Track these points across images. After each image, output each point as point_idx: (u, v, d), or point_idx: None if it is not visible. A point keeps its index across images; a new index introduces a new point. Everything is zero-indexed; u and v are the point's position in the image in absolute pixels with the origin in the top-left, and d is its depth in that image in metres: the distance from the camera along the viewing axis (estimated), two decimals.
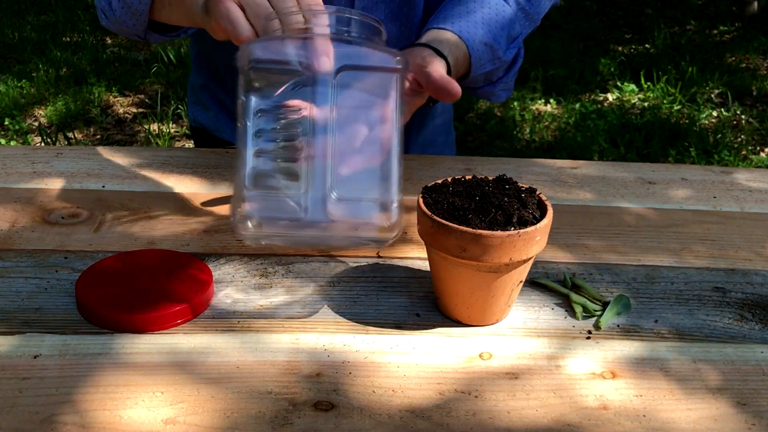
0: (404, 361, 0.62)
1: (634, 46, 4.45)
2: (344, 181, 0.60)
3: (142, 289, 0.66)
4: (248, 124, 0.60)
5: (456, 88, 0.76)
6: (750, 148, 3.12)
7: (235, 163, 0.60)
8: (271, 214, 0.60)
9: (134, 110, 3.35)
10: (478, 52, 0.89)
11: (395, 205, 0.61)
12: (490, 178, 0.68)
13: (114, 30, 0.92)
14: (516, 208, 0.63)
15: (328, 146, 0.60)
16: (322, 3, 0.66)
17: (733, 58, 4.22)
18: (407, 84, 0.81)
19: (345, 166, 0.61)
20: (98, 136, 3.10)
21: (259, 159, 0.60)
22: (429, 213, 0.62)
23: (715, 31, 4.74)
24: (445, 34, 0.88)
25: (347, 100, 0.61)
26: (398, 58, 0.61)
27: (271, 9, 0.64)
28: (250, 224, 0.59)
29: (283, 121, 0.61)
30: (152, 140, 3.05)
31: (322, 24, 0.62)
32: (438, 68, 0.79)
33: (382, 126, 0.62)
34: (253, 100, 0.60)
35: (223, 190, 0.88)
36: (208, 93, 1.12)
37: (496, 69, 0.94)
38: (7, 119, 3.13)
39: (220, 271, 0.72)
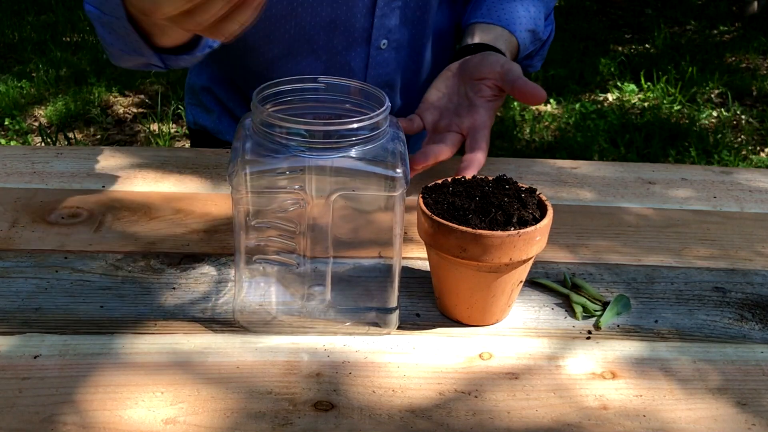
0: (404, 361, 0.62)
1: (634, 46, 4.45)
2: (344, 295, 0.65)
3: None
4: (243, 238, 0.62)
5: (542, 93, 0.80)
6: (750, 148, 3.12)
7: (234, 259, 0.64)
8: (265, 321, 0.65)
9: (134, 110, 3.35)
10: (525, 40, 0.94)
11: (395, 312, 0.65)
12: (490, 178, 0.68)
13: (128, 65, 0.86)
14: (516, 208, 0.63)
15: (327, 272, 0.65)
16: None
17: (733, 58, 4.22)
18: (489, 91, 0.85)
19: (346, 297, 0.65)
20: (98, 136, 3.10)
21: (255, 270, 0.64)
22: (429, 213, 0.62)
23: (715, 31, 4.74)
24: (495, 30, 0.91)
25: (344, 221, 0.62)
26: (399, 171, 0.59)
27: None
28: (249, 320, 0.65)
29: (278, 236, 0.63)
30: (152, 140, 3.05)
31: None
32: (520, 74, 0.83)
33: (383, 245, 0.63)
34: (249, 213, 0.61)
35: (223, 190, 0.88)
36: (210, 95, 1.12)
37: (535, 46, 1.00)
38: (7, 119, 3.13)
39: (220, 271, 0.72)
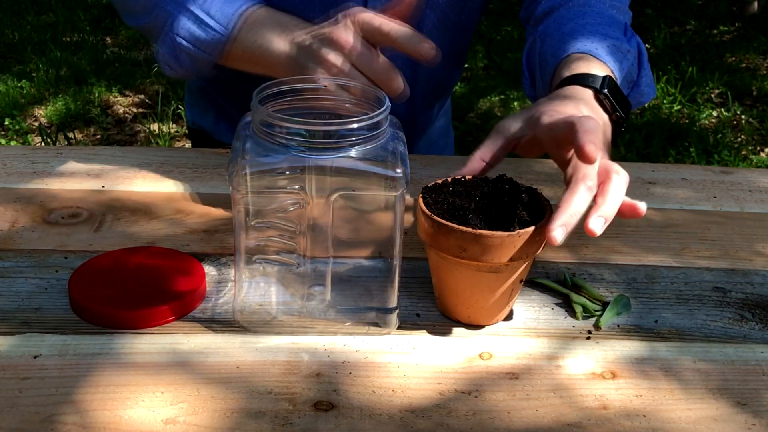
0: (404, 361, 0.62)
1: None
2: (344, 295, 0.65)
3: (131, 286, 0.66)
4: (243, 238, 0.62)
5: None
6: (750, 148, 3.12)
7: (234, 259, 0.64)
8: (265, 321, 0.65)
9: (134, 110, 3.35)
10: (606, 56, 0.84)
11: (395, 312, 0.65)
12: (490, 178, 0.68)
13: (181, 77, 0.91)
14: (516, 208, 0.63)
15: (327, 272, 0.64)
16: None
17: (733, 58, 4.22)
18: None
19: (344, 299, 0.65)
20: (98, 136, 3.10)
21: (255, 270, 0.64)
22: (429, 213, 0.62)
23: (715, 31, 4.74)
24: (572, 57, 0.82)
25: (344, 221, 0.62)
26: (399, 171, 0.59)
27: None
28: (249, 320, 0.65)
29: (278, 236, 0.63)
30: (152, 140, 3.05)
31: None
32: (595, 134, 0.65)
33: (383, 245, 0.63)
34: (249, 213, 0.61)
35: (223, 190, 0.87)
36: (207, 96, 1.12)
37: (630, 65, 0.88)
38: (7, 119, 3.13)
39: (220, 271, 0.72)
